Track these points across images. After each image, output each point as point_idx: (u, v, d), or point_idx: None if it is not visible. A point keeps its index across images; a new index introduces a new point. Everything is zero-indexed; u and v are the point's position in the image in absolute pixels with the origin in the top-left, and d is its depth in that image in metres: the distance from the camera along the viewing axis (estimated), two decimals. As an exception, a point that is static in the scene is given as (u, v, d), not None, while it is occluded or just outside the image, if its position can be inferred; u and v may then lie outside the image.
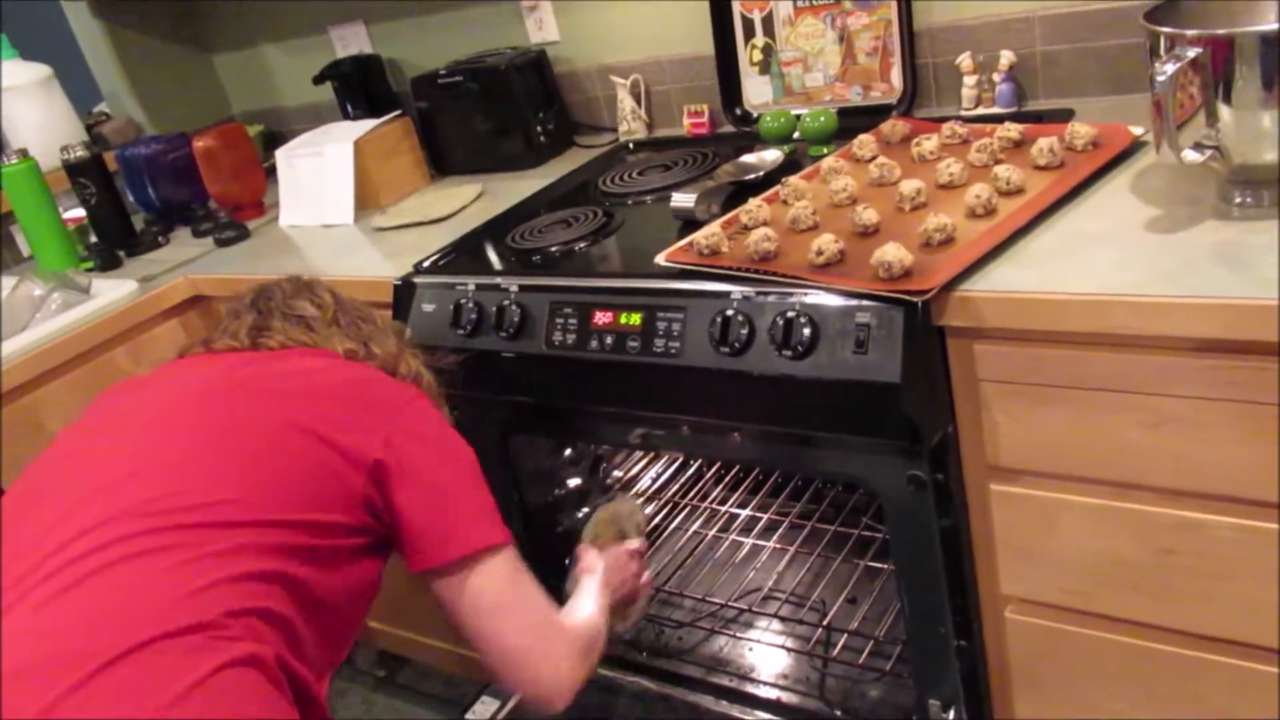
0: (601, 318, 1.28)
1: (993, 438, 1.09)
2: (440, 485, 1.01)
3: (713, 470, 1.89)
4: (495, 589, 1.03)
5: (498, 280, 1.39)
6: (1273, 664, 1.03)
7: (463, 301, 1.40)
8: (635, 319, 1.25)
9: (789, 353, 1.11)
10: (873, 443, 1.15)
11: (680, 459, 1.91)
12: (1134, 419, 0.99)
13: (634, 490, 1.88)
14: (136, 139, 2.30)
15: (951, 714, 1.30)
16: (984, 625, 1.23)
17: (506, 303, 1.36)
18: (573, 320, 1.31)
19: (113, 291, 1.80)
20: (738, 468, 1.87)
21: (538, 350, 1.33)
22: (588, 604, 1.19)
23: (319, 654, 0.92)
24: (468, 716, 1.56)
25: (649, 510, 1.85)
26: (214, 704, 0.77)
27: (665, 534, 1.83)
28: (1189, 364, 0.93)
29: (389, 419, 1.01)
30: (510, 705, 1.55)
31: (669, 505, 1.87)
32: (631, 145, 1.86)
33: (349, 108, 2.13)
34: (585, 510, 1.44)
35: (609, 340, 1.27)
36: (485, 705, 1.57)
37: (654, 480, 1.90)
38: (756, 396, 1.17)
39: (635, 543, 1.37)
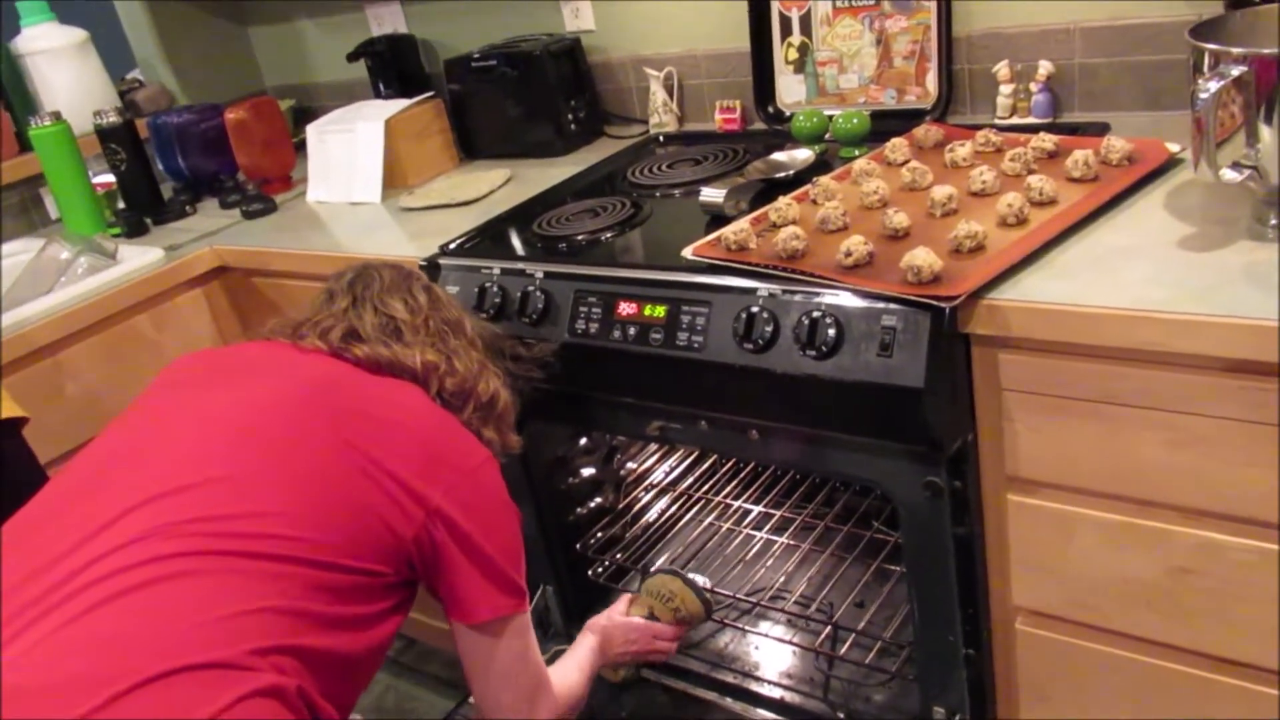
0: (626, 308, 1.28)
1: (1013, 448, 1.09)
2: (485, 553, 1.04)
3: (728, 465, 1.89)
4: (505, 654, 1.11)
5: (523, 265, 1.39)
6: (1284, 689, 1.02)
7: (487, 285, 1.40)
8: (660, 311, 1.25)
9: (813, 352, 1.11)
10: (891, 447, 1.15)
11: (696, 453, 1.91)
12: (1158, 437, 0.98)
13: (647, 482, 1.88)
14: (169, 108, 2.31)
15: (955, 722, 1.30)
16: (993, 635, 1.23)
17: (531, 288, 1.36)
18: (596, 309, 1.31)
19: (139, 259, 1.81)
20: (753, 464, 1.87)
21: (560, 338, 1.33)
22: (576, 675, 1.29)
23: (340, 689, 0.92)
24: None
25: (666, 506, 1.85)
26: None
27: (677, 526, 1.83)
28: (1216, 384, 0.93)
29: (456, 482, 1.02)
30: None
31: (682, 497, 1.86)
32: (662, 138, 1.86)
33: (381, 87, 2.14)
34: (654, 570, 1.49)
35: (632, 331, 1.27)
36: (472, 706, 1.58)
37: (668, 473, 1.90)
38: (777, 395, 1.17)
39: (663, 627, 1.44)
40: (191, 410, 1.01)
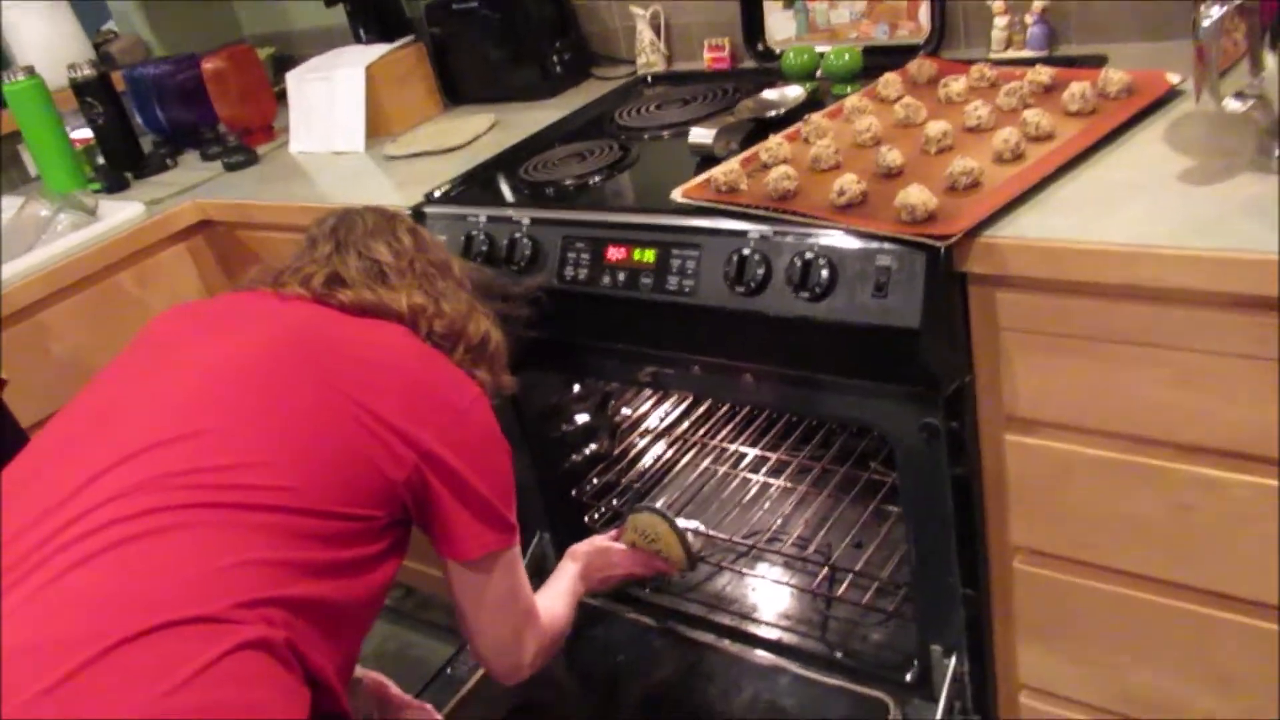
0: (615, 253, 1.26)
1: (1011, 388, 1.08)
2: (476, 491, 1.02)
3: (723, 409, 1.88)
4: (495, 589, 1.11)
5: (510, 212, 1.37)
6: (1282, 623, 1.02)
7: (474, 233, 1.38)
8: (649, 255, 1.23)
9: (806, 294, 1.09)
10: (888, 389, 1.14)
11: (690, 398, 1.90)
12: (1158, 374, 0.97)
13: (642, 428, 1.87)
14: (145, 60, 2.25)
15: (953, 661, 1.30)
16: (991, 574, 1.23)
17: (518, 235, 1.34)
18: (585, 255, 1.29)
19: (119, 214, 1.77)
20: (748, 408, 1.85)
21: (549, 284, 1.31)
22: (560, 604, 1.28)
23: (339, 637, 0.91)
24: (448, 671, 1.56)
25: (661, 451, 1.85)
26: (217, 689, 0.76)
27: (673, 471, 1.82)
28: (1218, 319, 0.91)
29: (446, 423, 1.01)
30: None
31: (677, 442, 1.86)
32: (649, 78, 1.82)
33: (361, 32, 2.08)
34: (642, 506, 1.49)
35: (622, 276, 1.25)
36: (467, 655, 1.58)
37: (662, 418, 1.89)
38: (771, 338, 1.16)
39: (643, 559, 1.45)
40: (175, 363, 0.99)
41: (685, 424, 1.87)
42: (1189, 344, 0.94)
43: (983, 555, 1.22)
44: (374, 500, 0.96)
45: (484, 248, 1.36)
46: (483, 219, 1.38)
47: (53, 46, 2.16)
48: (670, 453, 1.85)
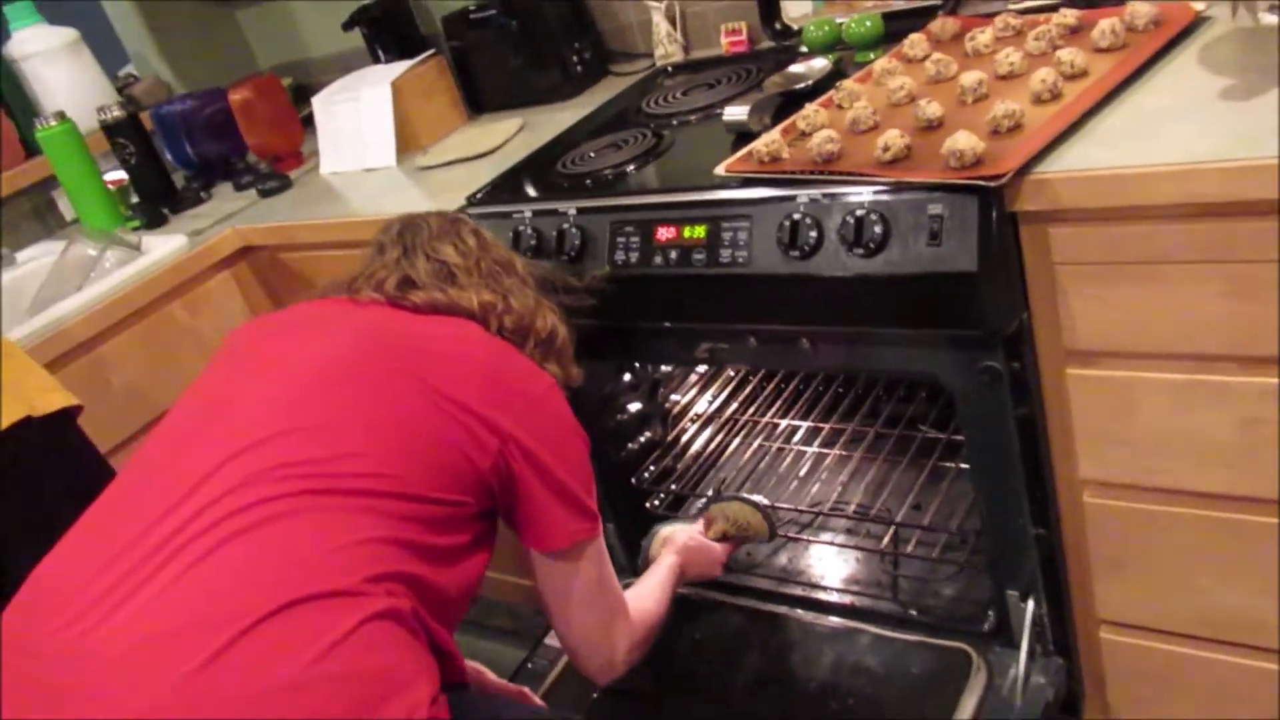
0: (665, 233, 1.29)
1: (1069, 322, 1.10)
2: (558, 478, 1.05)
3: (769, 388, 1.90)
4: (583, 580, 1.12)
5: (555, 205, 1.40)
6: (1360, 526, 1.04)
7: (521, 229, 1.41)
8: (700, 231, 1.25)
9: (860, 251, 1.12)
10: (947, 336, 1.16)
11: (736, 379, 1.93)
12: (1214, 289, 0.99)
13: (692, 414, 1.89)
14: (169, 98, 2.30)
15: (1030, 604, 1.32)
16: (1061, 512, 1.25)
17: (566, 226, 1.36)
18: (635, 238, 1.31)
19: (164, 247, 1.81)
20: (795, 384, 1.88)
21: (601, 271, 1.33)
22: (655, 599, 1.29)
23: (442, 624, 0.93)
24: (529, 665, 1.59)
25: (713, 434, 1.87)
26: (358, 655, 0.79)
27: (727, 453, 1.85)
28: (1269, 227, 0.93)
29: (524, 408, 1.04)
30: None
31: (728, 424, 1.88)
32: (670, 69, 1.85)
33: (380, 53, 2.12)
34: (716, 494, 1.51)
35: (674, 255, 1.28)
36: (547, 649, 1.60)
37: (710, 402, 1.92)
38: (827, 299, 1.18)
39: (727, 551, 1.49)
40: (266, 368, 1.03)
41: (734, 405, 1.89)
42: (1244, 255, 0.96)
43: (1051, 494, 1.24)
44: (463, 487, 0.99)
45: (532, 242, 1.39)
46: (528, 214, 1.41)
47: (78, 93, 2.21)
48: (722, 435, 1.87)
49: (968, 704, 1.32)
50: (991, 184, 1.02)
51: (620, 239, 1.32)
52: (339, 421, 0.95)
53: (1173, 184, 0.95)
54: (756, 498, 1.54)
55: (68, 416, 1.30)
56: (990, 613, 1.39)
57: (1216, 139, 0.95)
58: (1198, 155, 0.93)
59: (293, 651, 0.77)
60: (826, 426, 1.79)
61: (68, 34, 2.23)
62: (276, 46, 2.53)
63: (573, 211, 1.37)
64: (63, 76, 2.22)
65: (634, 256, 1.31)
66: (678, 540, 1.44)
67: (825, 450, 1.77)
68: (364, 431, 0.95)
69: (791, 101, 1.41)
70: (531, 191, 1.49)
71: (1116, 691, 1.34)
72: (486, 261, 1.18)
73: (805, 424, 1.82)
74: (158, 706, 0.73)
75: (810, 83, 1.45)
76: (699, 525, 1.50)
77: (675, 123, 1.57)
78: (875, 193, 1.12)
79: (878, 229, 1.10)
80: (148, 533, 0.85)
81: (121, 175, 2.13)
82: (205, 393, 1.04)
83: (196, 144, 2.12)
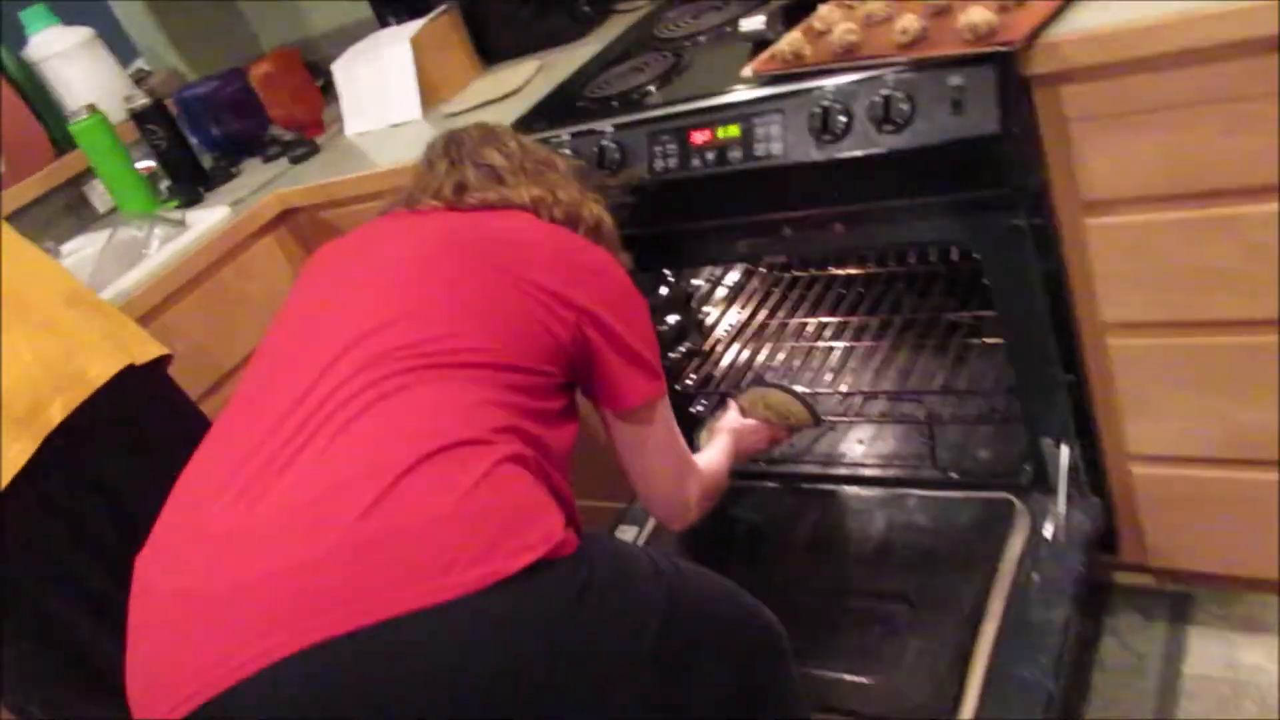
0: (699, 137, 1.39)
1: (1085, 175, 1.21)
2: (628, 344, 1.15)
3: (795, 293, 2.01)
4: (655, 435, 1.24)
5: (591, 125, 1.49)
6: (1363, 329, 1.16)
7: (562, 151, 1.50)
8: (734, 130, 1.36)
9: (889, 127, 1.22)
10: (972, 201, 1.27)
11: (762, 291, 2.04)
12: (1218, 127, 1.10)
13: (725, 324, 2.00)
14: (189, 84, 2.37)
15: (1064, 449, 1.44)
16: (1088, 357, 1.36)
17: (605, 143, 1.46)
18: (671, 145, 1.41)
19: (209, 219, 1.90)
20: (818, 286, 1.99)
21: (640, 176, 1.43)
22: (719, 458, 1.43)
23: (556, 468, 1.04)
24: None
25: (746, 340, 1.98)
26: (497, 492, 0.89)
27: (760, 357, 1.96)
28: (1265, 64, 1.04)
29: (591, 282, 1.13)
30: (647, 530, 1.69)
31: (759, 330, 1.99)
32: (675, 1, 1.94)
33: (389, 17, 2.20)
34: (751, 380, 1.61)
35: (710, 156, 1.38)
36: (624, 531, 1.72)
37: (741, 312, 2.02)
38: (859, 179, 1.29)
39: (778, 430, 1.60)
40: (353, 275, 1.13)
41: (763, 313, 2.00)
42: (1244, 93, 1.07)
43: (1078, 341, 1.35)
44: (549, 358, 1.08)
45: (568, 157, 1.49)
46: (566, 136, 1.51)
47: (99, 89, 2.27)
48: (755, 341, 1.98)
49: (1015, 545, 1.44)
50: (1008, 48, 1.12)
51: (658, 148, 1.42)
52: (436, 308, 1.04)
53: (1172, 33, 1.06)
54: (796, 387, 1.65)
55: (162, 366, 1.39)
56: (1027, 465, 1.51)
57: (1207, -14, 1.06)
58: (1187, 5, 1.04)
59: (443, 491, 0.87)
60: (855, 318, 1.90)
61: (84, 33, 2.29)
62: (279, 27, 2.59)
63: (609, 128, 1.47)
64: (83, 75, 2.28)
65: (672, 163, 1.41)
66: (724, 423, 1.56)
67: (854, 344, 1.88)
68: (460, 314, 1.04)
69: (803, 9, 1.51)
70: (566, 117, 1.59)
71: (1150, 522, 1.46)
72: (530, 162, 1.27)
73: (834, 319, 1.92)
74: (339, 545, 0.83)
75: (818, -9, 1.54)
76: (732, 412, 1.59)
77: (689, 44, 1.67)
78: (897, 73, 1.22)
79: (904, 106, 1.21)
80: (286, 417, 0.95)
81: (149, 164, 2.21)
82: (302, 306, 1.14)
83: (221, 123, 2.20)
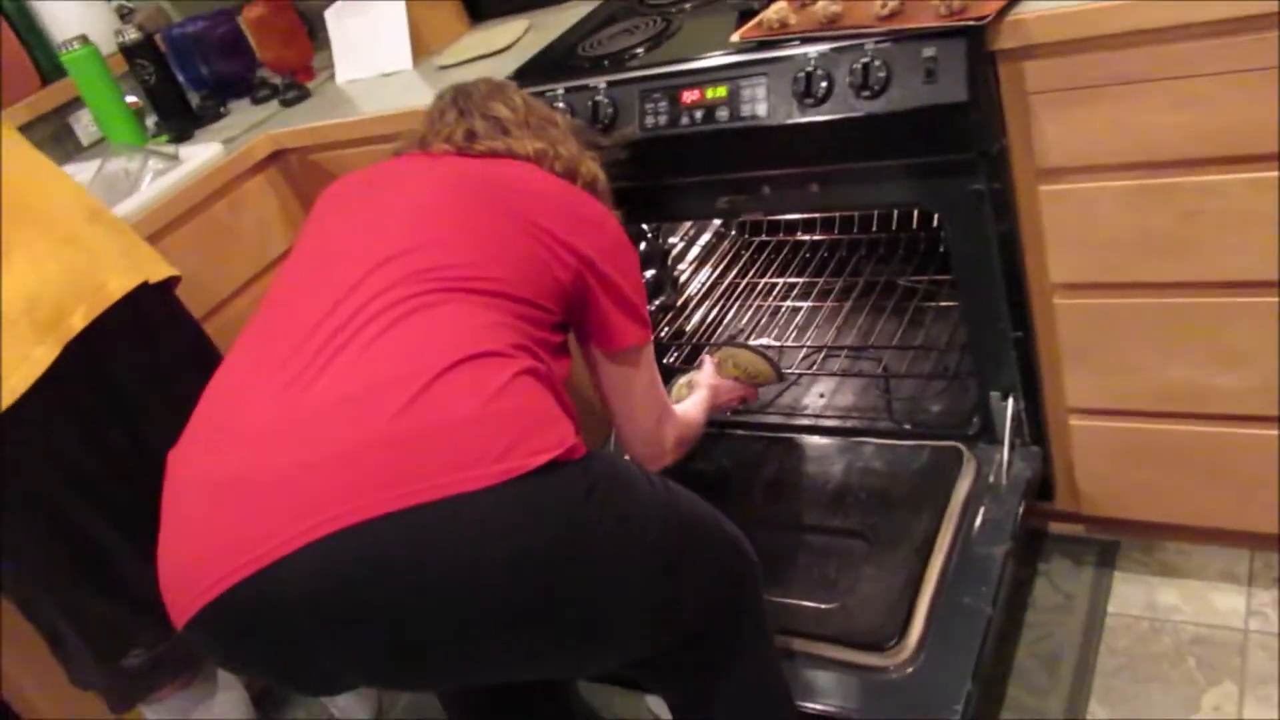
0: (689, 96, 1.48)
1: (1041, 145, 1.32)
2: (621, 290, 1.24)
3: (764, 255, 2.12)
4: (640, 378, 1.34)
5: (585, 80, 1.58)
6: (1280, 294, 1.29)
7: (556, 105, 1.58)
8: (722, 91, 1.45)
9: (867, 93, 1.32)
10: (937, 165, 1.38)
11: (732, 251, 2.14)
12: (1162, 102, 1.22)
13: (697, 281, 2.10)
14: (169, 24, 2.40)
15: (1010, 401, 1.56)
16: (1035, 315, 1.48)
17: (599, 99, 1.55)
18: (662, 103, 1.50)
19: (202, 155, 1.95)
20: (786, 251, 2.10)
21: (633, 136, 1.52)
22: (695, 409, 1.54)
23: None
24: None
25: (717, 297, 2.08)
26: (518, 397, 0.99)
27: (730, 314, 2.06)
28: (1209, 45, 1.16)
29: (591, 232, 1.22)
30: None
31: (730, 289, 2.09)
32: (659, -32, 2.02)
33: (378, -32, 2.26)
34: (723, 343, 1.72)
35: (699, 115, 1.47)
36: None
37: (713, 271, 2.13)
38: (838, 141, 1.39)
39: (748, 389, 1.70)
40: (377, 203, 1.20)
41: (734, 272, 2.11)
42: (1187, 71, 1.19)
43: (1027, 300, 1.48)
44: (552, 296, 1.18)
45: (567, 117, 1.57)
46: (560, 91, 1.59)
47: (85, 22, 2.29)
48: (725, 299, 2.09)
49: (961, 489, 1.57)
50: (978, 24, 1.23)
51: (649, 105, 1.51)
52: (455, 240, 1.12)
53: (1125, 14, 1.17)
54: (761, 344, 1.75)
55: (171, 286, 1.45)
56: (975, 418, 1.64)
57: (1160, -26, 1.17)
58: (1145, -13, 1.16)
59: (469, 394, 0.96)
60: (820, 280, 2.01)
61: (71, -36, 2.32)
62: (264, -27, 2.63)
63: (603, 85, 1.56)
64: (69, 7, 2.30)
65: (663, 120, 1.50)
66: (702, 379, 1.66)
67: (818, 304, 1.99)
68: (475, 247, 1.13)
69: (785, -18, 1.61)
70: (560, 73, 1.67)
71: (1083, 470, 1.59)
72: (534, 118, 1.35)
73: (799, 280, 2.04)
74: (377, 438, 0.92)
75: (801, -34, 1.64)
76: (709, 368, 1.69)
77: (676, 10, 1.75)
78: (876, 43, 1.32)
79: (881, 74, 1.31)
80: (319, 326, 1.02)
81: (134, 100, 2.25)
82: (327, 230, 1.21)
83: (210, 63, 2.24)
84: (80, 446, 1.27)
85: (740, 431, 1.83)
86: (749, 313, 2.05)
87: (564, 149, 1.33)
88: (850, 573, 1.49)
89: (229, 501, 0.93)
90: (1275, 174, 1.21)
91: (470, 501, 0.91)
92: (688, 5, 1.75)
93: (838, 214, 2.05)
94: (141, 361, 1.35)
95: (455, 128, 1.30)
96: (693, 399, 1.57)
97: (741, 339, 1.72)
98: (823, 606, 1.45)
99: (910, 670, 1.36)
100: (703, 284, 2.10)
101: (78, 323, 1.23)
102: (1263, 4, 1.10)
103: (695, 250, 2.14)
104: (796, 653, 1.42)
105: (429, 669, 1.02)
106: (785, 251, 2.11)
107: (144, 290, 1.36)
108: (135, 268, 1.36)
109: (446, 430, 0.94)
